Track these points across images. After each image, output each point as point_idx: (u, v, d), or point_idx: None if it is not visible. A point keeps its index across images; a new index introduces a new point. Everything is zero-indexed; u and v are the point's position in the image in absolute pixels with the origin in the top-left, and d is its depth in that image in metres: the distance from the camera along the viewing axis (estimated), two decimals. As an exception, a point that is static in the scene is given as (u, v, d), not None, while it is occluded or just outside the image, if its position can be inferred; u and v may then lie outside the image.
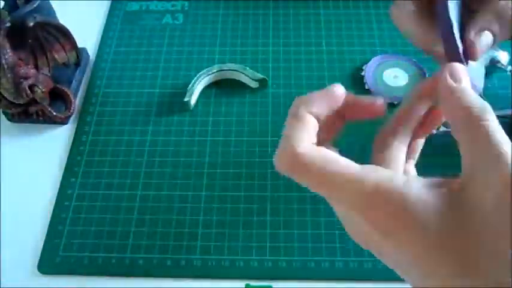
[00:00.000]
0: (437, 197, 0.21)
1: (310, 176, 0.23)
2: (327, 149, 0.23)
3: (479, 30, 0.27)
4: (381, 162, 0.25)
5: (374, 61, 0.52)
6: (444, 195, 0.21)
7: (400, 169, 0.25)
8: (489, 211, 0.19)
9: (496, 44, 0.28)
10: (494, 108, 0.23)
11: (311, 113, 0.25)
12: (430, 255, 0.20)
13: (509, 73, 0.50)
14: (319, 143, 0.24)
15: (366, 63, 0.52)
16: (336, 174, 0.22)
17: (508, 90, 0.49)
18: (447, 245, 0.20)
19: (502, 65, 0.50)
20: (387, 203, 0.21)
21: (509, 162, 0.19)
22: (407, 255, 0.21)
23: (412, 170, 0.28)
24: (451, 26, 0.27)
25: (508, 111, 0.47)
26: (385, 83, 0.50)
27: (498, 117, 0.50)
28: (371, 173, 0.22)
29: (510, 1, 0.28)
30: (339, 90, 0.26)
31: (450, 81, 0.23)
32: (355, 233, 0.24)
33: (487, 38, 0.27)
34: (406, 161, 0.27)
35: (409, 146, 0.27)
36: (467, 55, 0.28)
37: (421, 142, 0.28)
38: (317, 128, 0.24)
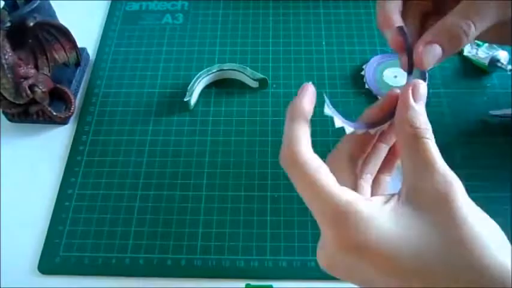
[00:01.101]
0: (388, 212, 0.24)
1: (297, 177, 0.25)
2: (319, 159, 0.25)
3: (428, 43, 0.29)
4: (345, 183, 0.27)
5: (374, 61, 0.52)
6: (394, 208, 0.24)
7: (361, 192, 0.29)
8: (429, 213, 0.23)
9: (444, 58, 0.29)
10: (494, 107, 0.24)
11: (304, 114, 0.27)
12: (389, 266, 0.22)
13: (509, 72, 0.49)
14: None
15: (366, 63, 0.52)
16: (314, 183, 0.24)
17: (508, 89, 0.49)
18: (403, 248, 0.22)
19: (502, 64, 0.50)
20: (347, 222, 0.23)
21: (441, 172, 0.24)
22: (369, 270, 0.23)
23: (367, 188, 0.30)
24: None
25: (508, 111, 0.47)
26: (385, 82, 0.50)
27: (498, 116, 0.51)
28: (340, 193, 0.24)
29: (460, 19, 0.29)
30: (311, 88, 0.29)
31: (410, 99, 0.26)
32: (320, 246, 0.26)
33: (435, 50, 0.28)
34: (374, 192, 0.30)
35: (377, 178, 0.31)
36: (411, 65, 0.29)
37: (387, 175, 0.31)
38: (309, 132, 0.27)
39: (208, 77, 0.51)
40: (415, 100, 0.26)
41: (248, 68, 0.51)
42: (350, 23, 0.57)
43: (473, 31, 0.28)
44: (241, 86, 0.52)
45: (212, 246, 0.42)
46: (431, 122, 0.26)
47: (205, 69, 0.51)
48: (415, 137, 0.25)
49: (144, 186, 0.45)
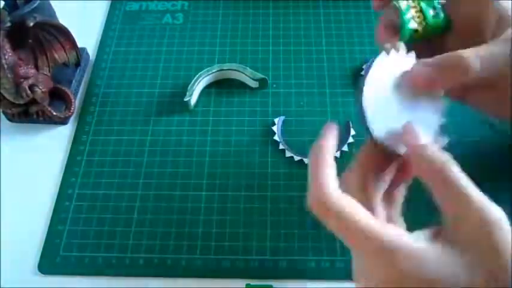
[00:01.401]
0: (433, 250, 0.23)
1: (332, 221, 0.25)
2: (349, 197, 0.25)
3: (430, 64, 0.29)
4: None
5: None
6: (440, 247, 0.23)
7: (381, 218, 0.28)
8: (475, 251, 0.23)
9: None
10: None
11: (331, 155, 0.27)
12: None
13: None
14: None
15: (366, 63, 0.52)
16: (354, 224, 0.24)
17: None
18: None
19: None
20: (397, 262, 0.23)
21: (479, 204, 0.23)
22: None
23: (397, 218, 0.30)
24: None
25: None
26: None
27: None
28: (381, 229, 0.24)
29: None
30: (334, 128, 0.29)
31: (415, 144, 0.26)
32: (362, 278, 0.26)
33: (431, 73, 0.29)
34: (388, 208, 0.30)
35: (390, 194, 0.30)
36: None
37: (401, 190, 0.31)
38: (335, 170, 0.27)
39: (208, 77, 0.51)
40: (419, 139, 0.26)
41: (248, 68, 0.51)
42: (350, 23, 0.57)
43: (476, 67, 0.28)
44: (241, 86, 0.52)
45: (212, 246, 0.42)
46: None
47: (205, 69, 0.51)
48: (439, 174, 0.24)
49: (144, 186, 0.45)
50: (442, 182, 0.24)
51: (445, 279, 0.22)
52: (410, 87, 0.29)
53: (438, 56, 0.29)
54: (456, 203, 0.24)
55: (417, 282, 0.22)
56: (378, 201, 0.29)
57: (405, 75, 0.29)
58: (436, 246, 0.23)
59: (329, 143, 0.28)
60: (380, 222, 0.24)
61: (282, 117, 0.48)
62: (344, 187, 0.26)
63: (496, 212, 0.23)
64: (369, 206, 0.27)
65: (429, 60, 0.29)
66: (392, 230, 0.24)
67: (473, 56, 0.28)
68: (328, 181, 0.26)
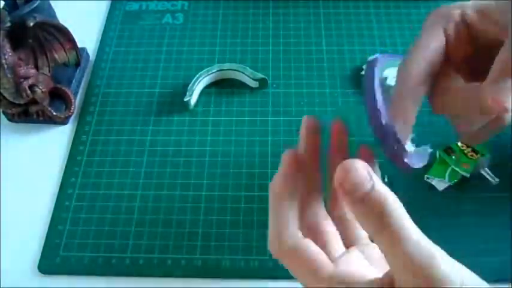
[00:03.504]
0: None
1: (288, 263, 0.24)
2: (305, 240, 0.24)
3: (497, 81, 0.25)
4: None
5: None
6: None
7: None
8: None
9: None
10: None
11: (290, 196, 0.26)
12: None
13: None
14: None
15: (366, 63, 0.52)
16: (305, 268, 0.23)
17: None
18: None
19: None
20: None
21: (409, 249, 0.20)
22: None
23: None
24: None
25: None
26: (386, 83, 0.50)
27: None
28: (330, 274, 0.23)
29: None
30: (291, 156, 0.27)
31: (344, 191, 0.22)
32: None
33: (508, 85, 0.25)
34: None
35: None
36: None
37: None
38: (297, 210, 0.25)
39: (208, 77, 0.51)
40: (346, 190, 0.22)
41: (248, 68, 0.51)
42: (350, 23, 0.57)
43: None
44: (241, 86, 0.52)
45: (212, 246, 0.42)
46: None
47: (205, 69, 0.51)
48: (377, 220, 0.21)
49: (144, 186, 0.45)
50: (380, 232, 0.21)
51: None
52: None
53: (497, 69, 0.25)
54: (396, 258, 0.21)
55: None
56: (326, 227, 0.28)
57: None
58: None
59: (288, 181, 0.26)
60: (331, 266, 0.23)
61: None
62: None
63: (429, 251, 0.20)
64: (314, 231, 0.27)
65: (494, 75, 0.25)
66: (350, 269, 0.23)
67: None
68: (287, 224, 0.25)
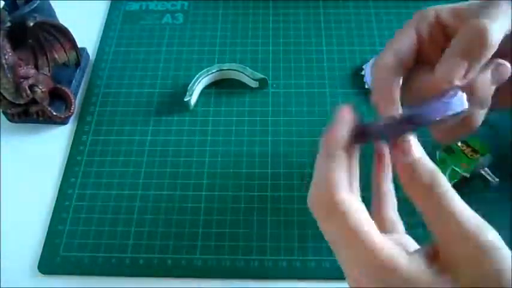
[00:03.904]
0: (430, 277, 0.22)
1: (336, 225, 0.23)
2: (359, 205, 0.24)
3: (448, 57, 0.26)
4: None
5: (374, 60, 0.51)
6: (435, 273, 0.22)
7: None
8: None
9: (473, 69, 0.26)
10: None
11: (343, 149, 0.25)
12: None
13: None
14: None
15: (366, 63, 0.52)
16: (358, 236, 0.22)
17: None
18: None
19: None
20: (389, 280, 0.22)
21: (469, 227, 0.21)
22: None
23: (395, 218, 0.29)
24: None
25: None
26: None
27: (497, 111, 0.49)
28: (382, 246, 0.22)
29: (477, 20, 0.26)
30: (347, 111, 0.26)
31: (400, 157, 0.24)
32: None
33: (459, 63, 0.25)
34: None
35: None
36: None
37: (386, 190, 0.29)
38: (347, 164, 0.25)
39: (208, 77, 0.51)
40: (408, 153, 0.24)
41: (248, 68, 0.51)
42: (350, 23, 0.57)
43: (495, 30, 0.25)
44: (241, 86, 0.52)
45: (212, 246, 0.42)
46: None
47: (205, 69, 0.51)
48: (426, 192, 0.22)
49: (144, 186, 0.45)
50: (429, 199, 0.22)
51: None
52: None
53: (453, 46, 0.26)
54: (445, 226, 0.22)
55: None
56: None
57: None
58: (431, 272, 0.22)
59: (340, 132, 0.25)
60: (381, 237, 0.23)
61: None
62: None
63: (489, 236, 0.21)
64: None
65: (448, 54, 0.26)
66: (392, 249, 0.22)
67: (482, 22, 0.25)
68: (339, 180, 0.23)
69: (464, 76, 0.25)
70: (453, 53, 0.26)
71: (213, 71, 0.51)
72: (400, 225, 0.29)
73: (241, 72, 0.51)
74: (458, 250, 0.21)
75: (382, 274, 0.22)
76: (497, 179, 0.43)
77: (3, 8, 0.46)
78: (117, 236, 0.43)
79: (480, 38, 0.25)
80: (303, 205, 0.44)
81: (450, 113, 0.24)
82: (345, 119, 0.25)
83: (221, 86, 0.52)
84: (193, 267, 0.41)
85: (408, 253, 0.23)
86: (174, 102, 0.51)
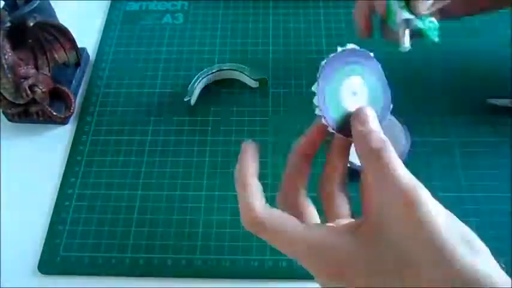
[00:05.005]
0: (353, 242, 0.24)
1: (265, 234, 0.27)
2: (275, 210, 0.27)
3: None
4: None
5: (332, 62, 0.29)
6: (359, 237, 0.24)
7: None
8: (398, 241, 0.23)
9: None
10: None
11: (252, 176, 0.29)
12: None
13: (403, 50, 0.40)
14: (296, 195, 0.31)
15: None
16: (280, 235, 0.27)
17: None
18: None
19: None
20: (319, 258, 0.25)
21: (405, 186, 0.23)
22: None
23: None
24: None
25: (506, 101, 0.47)
26: (339, 103, 0.29)
27: (496, 106, 0.49)
28: (304, 233, 0.26)
29: None
30: (252, 146, 0.30)
31: (357, 127, 0.27)
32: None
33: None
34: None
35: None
36: None
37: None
38: (260, 187, 0.29)
39: (208, 77, 0.51)
40: (365, 121, 0.27)
41: (248, 68, 0.51)
42: (350, 23, 0.57)
43: None
44: (241, 86, 0.52)
45: (212, 246, 0.42)
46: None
47: (205, 69, 0.51)
48: (373, 153, 0.25)
49: (144, 186, 0.45)
50: (377, 162, 0.25)
51: (358, 264, 0.23)
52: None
53: None
54: (384, 184, 0.24)
55: (336, 271, 0.24)
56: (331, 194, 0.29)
57: None
58: (355, 236, 0.24)
59: (246, 165, 0.29)
60: (303, 226, 0.26)
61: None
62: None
63: (421, 193, 0.23)
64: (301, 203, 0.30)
65: None
66: (315, 230, 0.26)
67: None
68: (252, 200, 0.27)
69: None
70: None
71: (213, 71, 0.51)
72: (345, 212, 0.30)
73: (241, 72, 0.51)
74: (391, 208, 0.23)
75: (314, 254, 0.25)
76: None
77: (3, 8, 0.46)
78: (117, 236, 0.43)
79: None
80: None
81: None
82: (249, 152, 0.29)
83: (221, 86, 0.52)
84: (193, 267, 0.41)
85: (334, 224, 0.27)
86: (174, 102, 0.51)
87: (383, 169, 0.24)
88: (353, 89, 0.29)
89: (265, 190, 0.46)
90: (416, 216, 0.22)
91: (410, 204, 0.22)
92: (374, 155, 0.25)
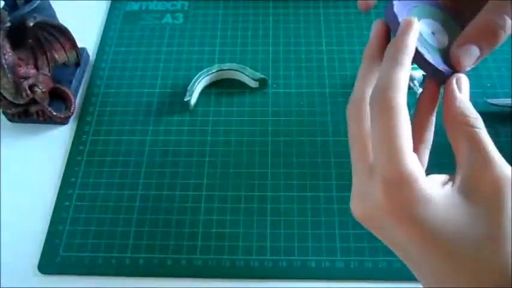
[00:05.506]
0: (444, 197, 0.24)
1: (382, 121, 0.25)
2: (408, 115, 0.25)
3: (464, 45, 0.27)
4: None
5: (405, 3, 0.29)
6: (450, 195, 0.24)
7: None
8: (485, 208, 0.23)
9: (483, 57, 0.28)
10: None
11: (410, 57, 0.26)
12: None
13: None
14: None
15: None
16: (395, 139, 0.24)
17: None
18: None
19: (414, 85, 0.43)
20: (407, 194, 0.23)
21: (498, 166, 0.23)
22: (409, 242, 0.24)
23: (425, 159, 0.29)
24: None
25: (506, 101, 0.47)
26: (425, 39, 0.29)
27: (496, 105, 0.50)
28: (410, 162, 0.24)
29: (494, 13, 0.27)
30: (416, 23, 0.27)
31: (456, 89, 0.26)
32: (360, 196, 0.26)
33: (472, 52, 0.27)
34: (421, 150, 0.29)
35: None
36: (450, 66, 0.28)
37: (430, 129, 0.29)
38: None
39: (208, 77, 0.51)
40: (460, 91, 0.26)
41: (248, 68, 0.51)
42: (350, 23, 0.57)
43: (510, 24, 0.27)
44: (241, 86, 0.52)
45: (212, 246, 0.42)
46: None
47: (205, 69, 0.51)
48: (469, 127, 0.25)
49: (144, 186, 0.45)
50: (469, 136, 0.25)
51: (443, 224, 0.23)
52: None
53: (468, 33, 0.27)
54: (477, 157, 0.24)
55: (412, 221, 0.23)
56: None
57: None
58: (447, 194, 0.24)
59: (409, 41, 0.26)
60: (413, 155, 0.24)
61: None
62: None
63: (510, 171, 0.23)
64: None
65: (463, 39, 0.28)
66: (416, 166, 0.24)
67: (498, 18, 0.27)
68: (401, 85, 0.25)
69: (474, 64, 0.28)
70: (466, 44, 0.27)
71: (213, 71, 0.51)
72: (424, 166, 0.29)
73: (241, 72, 0.51)
74: (481, 179, 0.24)
75: (398, 185, 0.23)
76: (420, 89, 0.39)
77: (3, 8, 0.46)
78: (117, 236, 0.43)
79: (497, 31, 0.27)
80: (303, 205, 0.44)
81: None
82: (413, 29, 0.26)
83: (221, 86, 0.52)
84: (193, 267, 0.41)
85: (427, 176, 0.24)
86: (174, 102, 0.51)
87: (480, 150, 0.24)
88: (431, 28, 0.29)
89: (265, 190, 0.46)
90: (499, 205, 0.23)
91: (498, 192, 0.23)
92: (470, 131, 0.25)
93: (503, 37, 0.27)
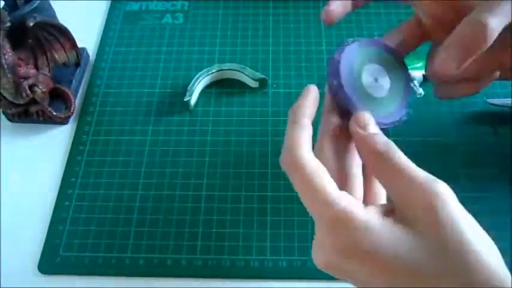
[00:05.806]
0: (382, 225, 0.24)
1: (297, 181, 0.26)
2: (319, 162, 0.26)
3: (448, 48, 0.28)
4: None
5: (350, 51, 0.33)
6: (390, 223, 0.24)
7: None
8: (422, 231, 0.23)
9: (468, 61, 0.28)
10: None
11: (307, 118, 0.28)
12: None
13: (419, 96, 0.37)
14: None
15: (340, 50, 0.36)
16: (314, 188, 0.25)
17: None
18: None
19: (414, 85, 0.43)
20: (345, 230, 0.24)
21: (422, 183, 0.24)
22: (364, 273, 0.24)
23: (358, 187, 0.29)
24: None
25: (507, 101, 0.47)
26: (364, 88, 0.30)
27: (496, 105, 0.49)
28: (338, 198, 0.24)
29: (479, 14, 0.27)
30: (315, 90, 0.30)
31: (357, 130, 0.27)
32: (316, 245, 0.26)
33: (457, 55, 0.28)
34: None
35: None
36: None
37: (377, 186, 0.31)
38: (311, 132, 0.28)
39: (208, 77, 0.51)
40: (363, 128, 0.27)
41: (248, 68, 0.51)
42: (350, 23, 0.57)
43: (495, 26, 0.27)
44: (241, 86, 0.52)
45: (212, 246, 0.42)
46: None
47: (205, 70, 0.51)
48: (381, 157, 0.25)
49: (144, 186, 0.45)
50: (385, 163, 0.25)
51: (387, 252, 0.23)
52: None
53: (454, 36, 0.28)
54: (400, 182, 0.24)
55: (361, 253, 0.23)
56: (353, 170, 0.29)
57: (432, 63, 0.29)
58: (386, 222, 0.24)
59: (306, 104, 0.28)
60: (340, 192, 0.25)
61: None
62: (319, 153, 0.28)
63: (439, 186, 0.23)
64: (342, 175, 0.28)
65: (448, 41, 0.28)
66: (349, 202, 0.24)
67: (483, 18, 0.27)
68: (301, 142, 0.26)
69: (458, 68, 0.28)
70: (450, 46, 0.28)
71: (213, 71, 0.51)
72: (383, 196, 0.30)
73: (241, 72, 0.51)
74: (413, 200, 0.24)
75: (337, 225, 0.24)
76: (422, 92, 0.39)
77: (3, 8, 0.46)
78: (117, 236, 0.43)
79: (479, 33, 0.27)
80: (303, 205, 0.44)
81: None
82: (311, 94, 0.29)
83: (221, 86, 0.52)
84: (193, 267, 0.41)
85: (364, 207, 0.25)
86: (174, 102, 0.51)
87: (393, 169, 0.24)
88: (375, 75, 0.30)
89: (265, 190, 0.46)
90: (436, 212, 0.23)
91: (430, 209, 0.23)
92: (382, 158, 0.25)
93: (489, 39, 0.27)
